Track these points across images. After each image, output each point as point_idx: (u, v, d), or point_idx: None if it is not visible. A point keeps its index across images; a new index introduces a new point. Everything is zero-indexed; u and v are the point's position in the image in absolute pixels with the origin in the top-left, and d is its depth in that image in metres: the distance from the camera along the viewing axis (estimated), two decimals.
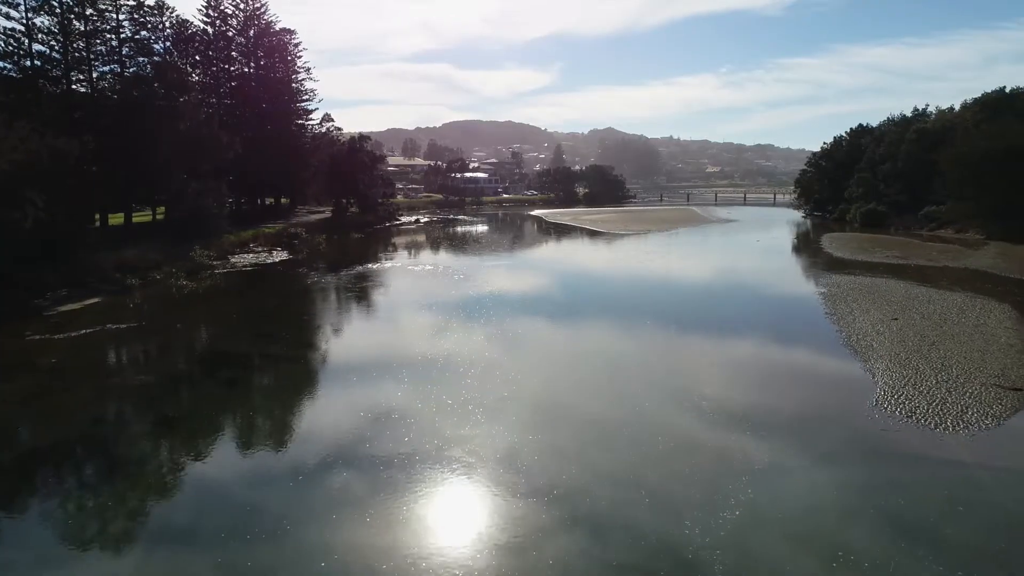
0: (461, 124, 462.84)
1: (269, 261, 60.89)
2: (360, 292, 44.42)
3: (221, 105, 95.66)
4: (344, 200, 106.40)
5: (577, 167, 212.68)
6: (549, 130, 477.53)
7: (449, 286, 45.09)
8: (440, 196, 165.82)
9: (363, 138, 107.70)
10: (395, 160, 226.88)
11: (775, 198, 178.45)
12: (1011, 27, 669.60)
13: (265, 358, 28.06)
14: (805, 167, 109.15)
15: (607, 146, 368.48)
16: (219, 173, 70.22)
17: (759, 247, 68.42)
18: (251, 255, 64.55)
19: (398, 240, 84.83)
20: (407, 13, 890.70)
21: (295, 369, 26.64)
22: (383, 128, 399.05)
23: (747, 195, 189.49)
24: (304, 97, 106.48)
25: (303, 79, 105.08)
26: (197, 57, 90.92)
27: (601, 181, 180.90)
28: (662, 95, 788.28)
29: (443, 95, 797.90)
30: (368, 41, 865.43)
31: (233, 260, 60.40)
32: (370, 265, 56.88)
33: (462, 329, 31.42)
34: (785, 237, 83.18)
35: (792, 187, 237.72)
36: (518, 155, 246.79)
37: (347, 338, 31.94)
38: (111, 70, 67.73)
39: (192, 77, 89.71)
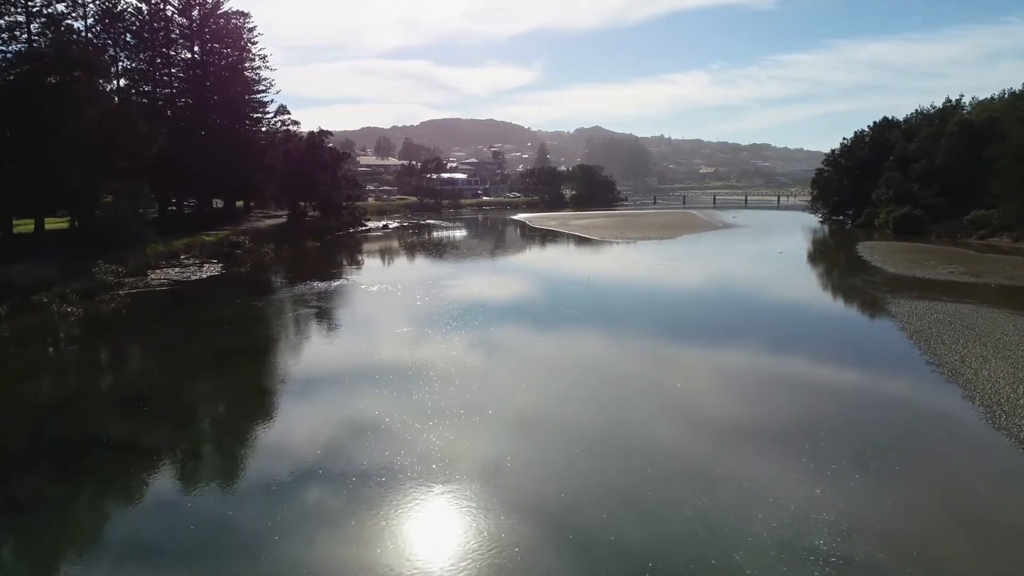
0: (439, 123, 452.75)
1: (195, 277, 51.60)
2: (290, 326, 35.30)
3: (159, 94, 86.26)
4: (302, 203, 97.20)
5: (563, 167, 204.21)
6: (533, 129, 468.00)
7: (409, 316, 36.14)
8: (414, 199, 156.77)
9: (323, 133, 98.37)
10: (367, 160, 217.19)
11: (779, 200, 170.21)
12: (1014, 21, 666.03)
13: (108, 452, 18.73)
14: (822, 166, 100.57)
15: (594, 145, 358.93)
16: (142, 171, 60.72)
17: (786, 259, 59.85)
18: (177, 269, 55.23)
19: (360, 250, 75.74)
20: (385, 8, 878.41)
21: (140, 478, 17.42)
22: (357, 127, 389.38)
23: (748, 197, 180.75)
24: (258, 87, 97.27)
25: (258, 67, 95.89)
26: (128, 38, 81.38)
27: (589, 182, 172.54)
28: (651, 93, 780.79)
29: (422, 93, 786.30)
30: (344, 37, 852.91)
31: (151, 277, 51.02)
32: (316, 283, 47.71)
33: (417, 400, 22.36)
34: (811, 246, 74.83)
35: (793, 188, 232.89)
36: (500, 154, 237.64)
37: (248, 412, 22.64)
38: (17, 50, 58.41)
39: (121, 61, 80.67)
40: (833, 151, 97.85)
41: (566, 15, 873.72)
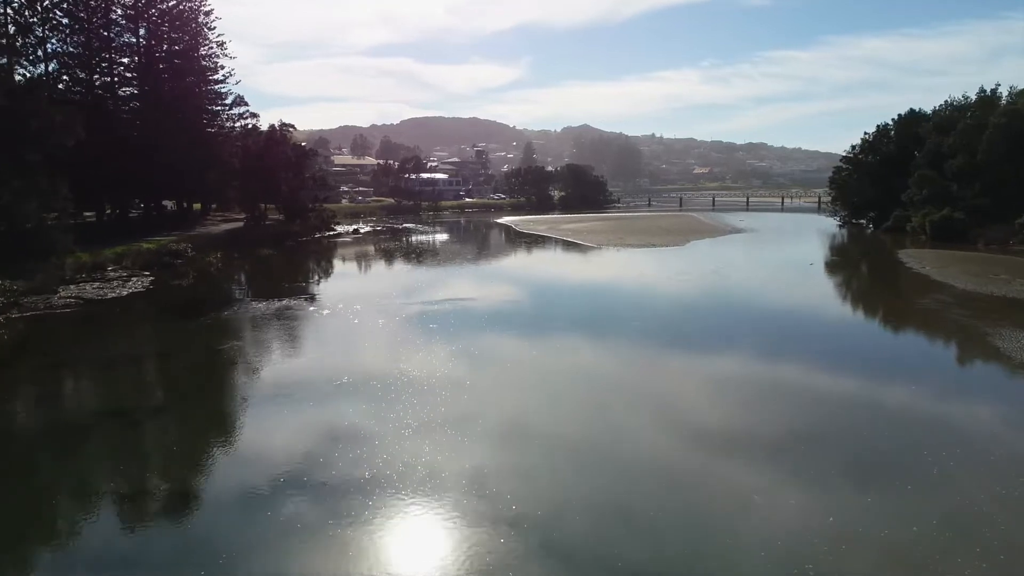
0: (421, 121, 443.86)
1: (113, 295, 43.57)
2: (196, 374, 27.35)
3: (96, 82, 78.13)
4: (265, 205, 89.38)
5: (550, 167, 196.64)
6: (518, 127, 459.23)
7: (359, 357, 28.45)
8: (391, 200, 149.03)
9: (285, 127, 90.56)
10: (342, 160, 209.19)
11: (784, 202, 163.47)
12: (1017, 17, 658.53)
13: None
14: (841, 164, 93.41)
15: (583, 144, 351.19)
16: (66, 168, 52.84)
17: (822, 272, 52.60)
18: (97, 284, 47.21)
19: (322, 259, 67.85)
20: (366, 3, 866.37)
21: None
22: (335, 126, 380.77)
23: (749, 199, 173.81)
24: (215, 77, 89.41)
25: (215, 55, 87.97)
26: (59, 16, 73.27)
27: (579, 183, 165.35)
28: (640, 91, 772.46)
29: (403, 91, 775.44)
30: (323, 34, 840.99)
31: (60, 295, 42.92)
32: (256, 303, 39.92)
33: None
34: (842, 255, 67.76)
35: (794, 190, 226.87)
36: (483, 153, 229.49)
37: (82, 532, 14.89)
38: None
39: (51, 43, 72.61)
40: (853, 147, 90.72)
41: (552, 11, 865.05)
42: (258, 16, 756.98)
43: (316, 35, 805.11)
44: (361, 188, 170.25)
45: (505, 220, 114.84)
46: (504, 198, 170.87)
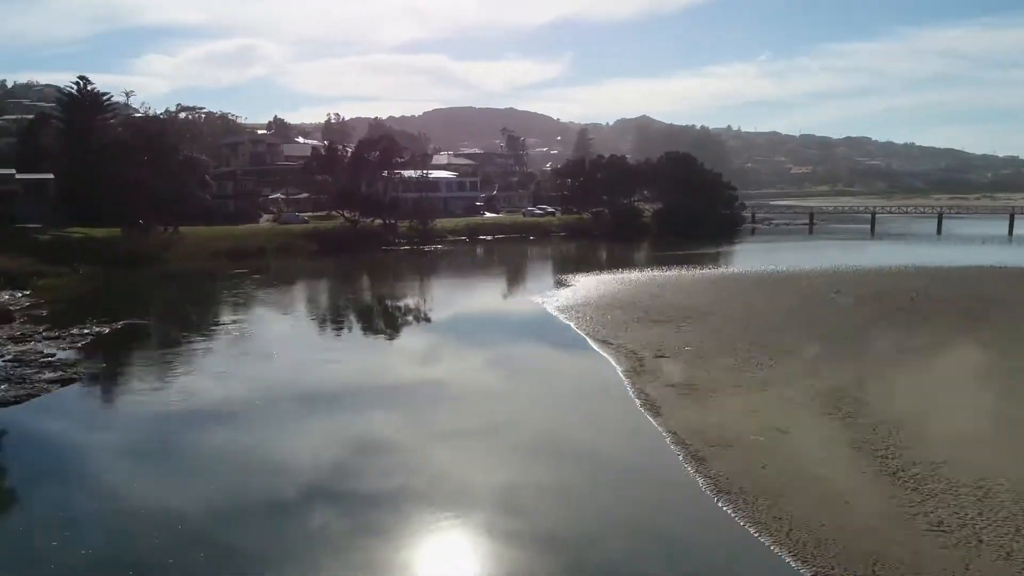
0: (446, 112, 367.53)
1: None
2: None
3: None
4: None
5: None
6: (563, 120, 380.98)
7: None
8: (348, 214, 75.87)
9: None
10: (296, 151, 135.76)
11: None
12: None
13: None
14: None
15: (647, 137, 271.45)
16: None
17: None
18: None
19: None
20: None
21: None
22: (348, 118, 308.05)
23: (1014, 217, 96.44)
24: None
25: None
26: None
27: (685, 185, 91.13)
28: (691, 88, 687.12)
29: (436, 90, 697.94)
30: (352, 30, 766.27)
31: None
32: None
33: None
34: None
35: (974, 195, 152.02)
36: (517, 140, 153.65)
37: None
38: None
39: None
40: None
41: (595, 3, 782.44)
42: (286, 13, 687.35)
43: (345, 32, 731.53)
44: (307, 194, 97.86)
45: (565, 300, 39.68)
46: (552, 212, 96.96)
